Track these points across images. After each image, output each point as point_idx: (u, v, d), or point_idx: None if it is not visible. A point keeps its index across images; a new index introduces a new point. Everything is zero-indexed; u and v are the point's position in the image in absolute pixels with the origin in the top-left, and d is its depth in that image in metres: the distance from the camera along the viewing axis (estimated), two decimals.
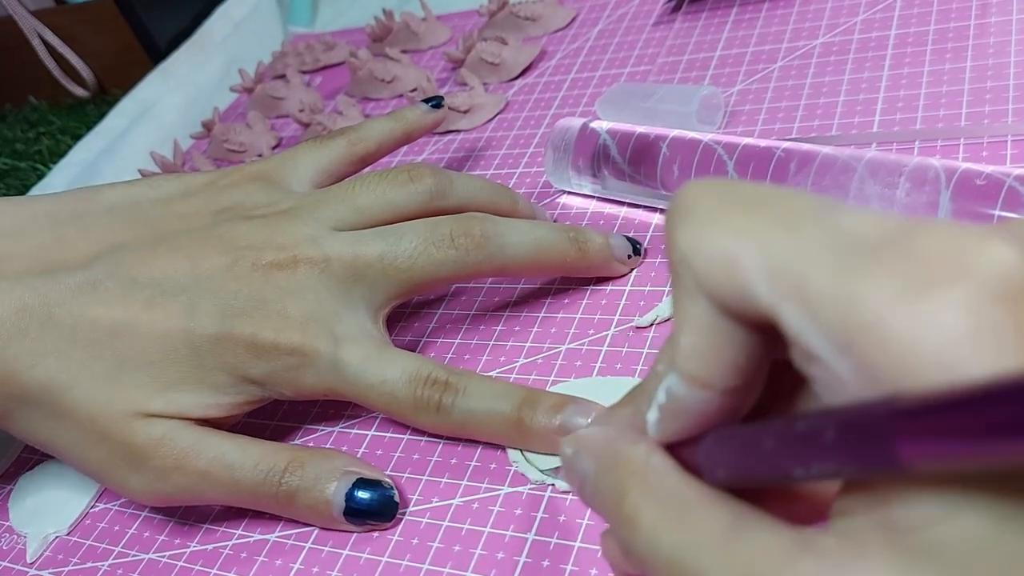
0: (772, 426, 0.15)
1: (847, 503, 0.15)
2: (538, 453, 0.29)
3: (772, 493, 0.18)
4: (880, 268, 0.13)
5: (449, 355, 0.35)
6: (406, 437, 0.32)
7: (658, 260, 0.35)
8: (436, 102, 0.41)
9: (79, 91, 0.73)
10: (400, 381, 0.30)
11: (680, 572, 0.16)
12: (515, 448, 0.30)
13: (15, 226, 0.33)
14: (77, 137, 0.66)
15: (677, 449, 0.18)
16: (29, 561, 0.34)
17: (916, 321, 0.13)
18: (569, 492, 0.28)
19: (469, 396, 0.30)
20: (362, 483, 0.29)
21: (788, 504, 0.18)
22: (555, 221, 0.40)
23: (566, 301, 0.35)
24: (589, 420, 0.28)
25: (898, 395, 0.12)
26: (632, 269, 0.35)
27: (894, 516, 0.14)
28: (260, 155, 0.54)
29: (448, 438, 0.31)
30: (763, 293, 0.15)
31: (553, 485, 0.28)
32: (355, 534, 0.30)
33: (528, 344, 0.34)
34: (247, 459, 0.30)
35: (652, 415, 0.19)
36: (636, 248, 0.35)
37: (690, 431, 0.18)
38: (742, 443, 0.16)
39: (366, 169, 0.39)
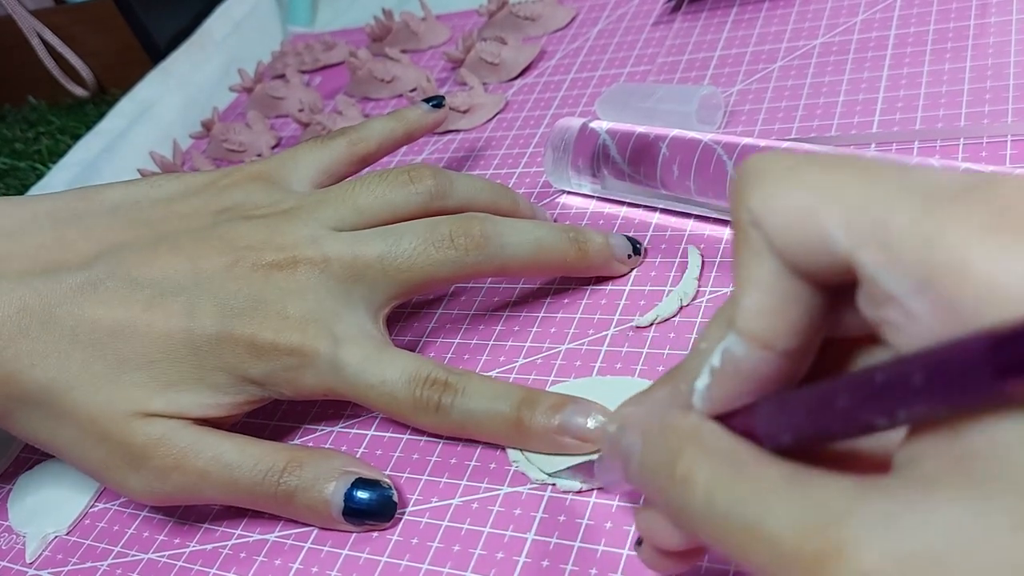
0: (843, 382, 0.15)
1: (911, 451, 0.15)
2: (538, 453, 0.29)
3: (827, 456, 0.18)
4: (962, 209, 0.14)
5: (449, 355, 0.35)
6: (405, 437, 0.32)
7: (658, 260, 0.35)
8: (437, 102, 0.41)
9: (78, 91, 0.73)
10: (399, 381, 0.30)
11: (739, 523, 0.16)
12: (515, 448, 0.30)
13: (15, 226, 0.33)
14: (76, 137, 0.65)
15: (722, 422, 0.19)
16: (28, 561, 0.34)
17: (1000, 256, 0.13)
18: (569, 492, 0.28)
19: (468, 396, 0.30)
20: (361, 483, 0.29)
21: (845, 467, 0.18)
22: (555, 221, 0.40)
23: (566, 301, 0.35)
24: (589, 419, 0.28)
25: (994, 327, 0.13)
26: (632, 269, 0.35)
27: (969, 447, 0.14)
28: (260, 155, 0.54)
29: (448, 438, 0.31)
30: (841, 239, 0.15)
31: (554, 485, 0.28)
32: (354, 534, 0.30)
33: (528, 344, 0.34)
34: (246, 459, 0.30)
35: (702, 381, 0.19)
36: (636, 248, 0.35)
37: (740, 398, 0.18)
38: (811, 403, 0.17)
39: (366, 169, 0.39)
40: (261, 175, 0.36)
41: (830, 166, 0.16)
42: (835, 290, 0.17)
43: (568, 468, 0.28)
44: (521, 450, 0.30)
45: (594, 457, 0.27)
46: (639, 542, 0.23)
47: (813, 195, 0.16)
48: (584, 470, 0.27)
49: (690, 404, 0.20)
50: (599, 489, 0.28)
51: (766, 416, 0.18)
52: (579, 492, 0.28)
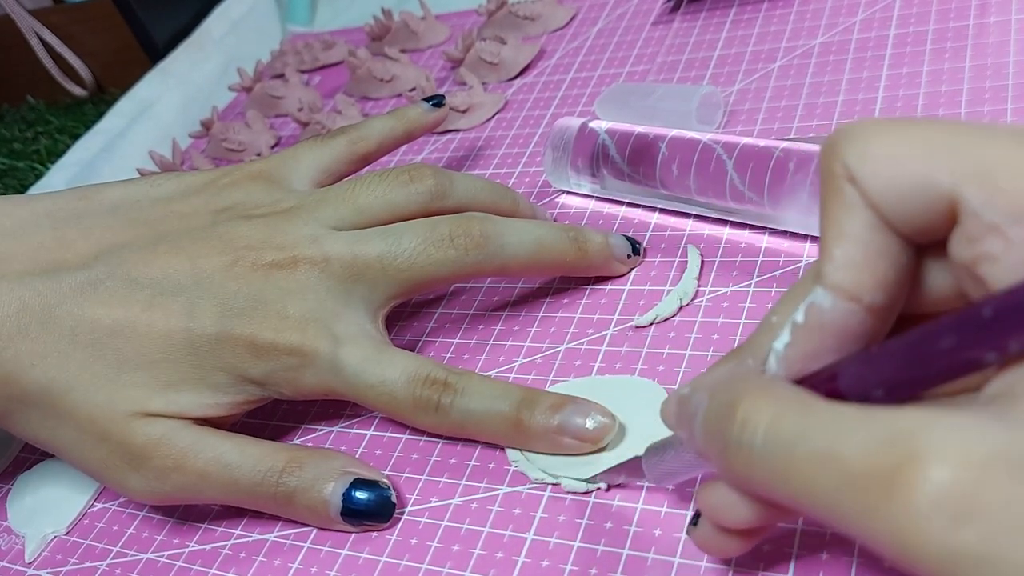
0: (945, 322, 0.16)
1: (998, 386, 0.16)
2: (537, 453, 0.29)
3: None
4: None
5: (448, 354, 0.35)
6: (405, 436, 0.32)
7: (657, 259, 0.35)
8: (437, 101, 0.41)
9: (77, 90, 0.73)
10: (399, 381, 0.30)
11: (804, 451, 0.16)
12: (514, 448, 0.30)
13: (15, 225, 0.33)
14: (75, 137, 0.65)
15: None
16: (28, 561, 0.34)
17: None
18: (569, 492, 0.28)
19: (468, 396, 0.30)
20: (360, 483, 0.29)
21: None
22: (555, 221, 0.40)
23: (565, 300, 0.35)
24: (588, 420, 0.28)
25: None
26: (631, 269, 0.35)
27: None
28: (259, 154, 0.54)
29: (447, 438, 0.31)
30: (943, 177, 0.16)
31: (556, 484, 0.28)
32: (354, 534, 0.30)
33: (527, 344, 0.34)
34: (245, 459, 0.30)
35: (781, 341, 0.19)
36: (635, 248, 0.35)
37: (820, 356, 0.19)
38: (907, 350, 0.17)
39: (366, 168, 0.39)
40: (261, 174, 0.36)
41: (925, 121, 0.17)
42: (919, 249, 0.18)
43: (608, 469, 0.27)
44: (520, 450, 0.30)
45: (640, 453, 0.26)
46: (694, 521, 0.23)
47: (913, 142, 0.17)
48: (628, 468, 0.27)
49: (760, 373, 0.20)
50: (615, 487, 0.28)
51: (852, 373, 0.18)
52: (585, 492, 0.28)
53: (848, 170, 0.18)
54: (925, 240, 0.18)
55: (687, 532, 0.23)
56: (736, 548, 0.22)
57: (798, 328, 0.19)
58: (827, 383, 0.18)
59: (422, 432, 0.32)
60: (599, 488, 0.28)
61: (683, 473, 0.24)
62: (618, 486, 0.28)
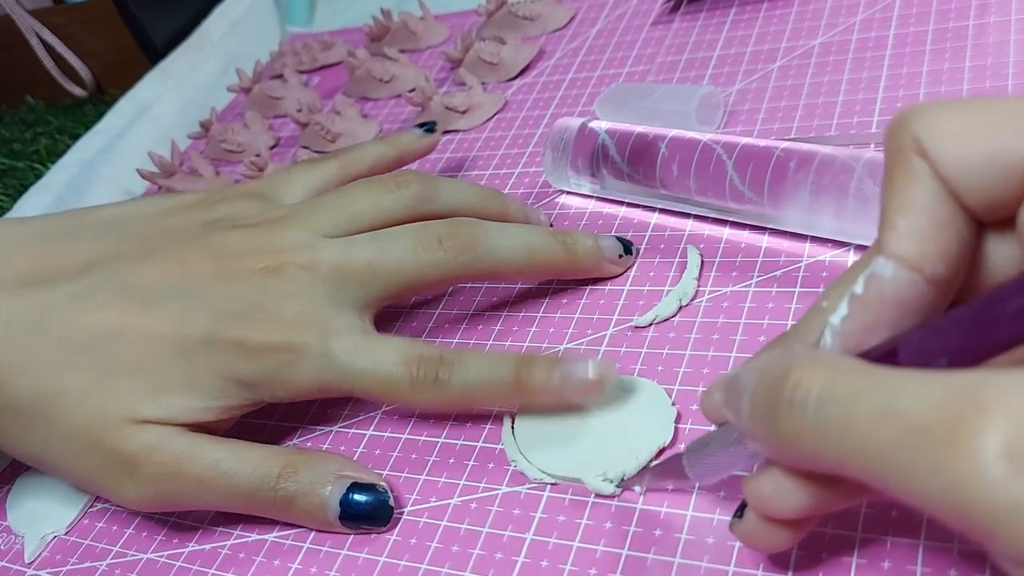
0: (1012, 286, 0.16)
1: None
2: (536, 451, 0.29)
3: None
4: None
5: None
6: (404, 436, 0.32)
7: (657, 259, 0.35)
8: (429, 127, 0.42)
9: (77, 91, 0.73)
10: (394, 363, 0.30)
11: (863, 409, 0.16)
12: (514, 411, 0.30)
13: (8, 243, 0.33)
14: (75, 137, 0.65)
15: None
16: (27, 561, 0.34)
17: None
18: (568, 491, 0.28)
19: (465, 367, 0.30)
20: (358, 487, 0.29)
21: None
22: (554, 221, 0.40)
23: (564, 300, 0.35)
24: (588, 371, 0.28)
25: None
26: (626, 269, 0.35)
27: None
28: (258, 155, 0.54)
29: (446, 435, 0.31)
30: (1019, 144, 0.17)
31: (554, 484, 0.28)
32: (353, 534, 0.30)
33: (526, 343, 0.34)
34: (242, 464, 0.30)
35: (838, 315, 0.19)
36: (628, 248, 0.35)
37: (878, 329, 0.19)
38: (973, 316, 0.17)
39: None
40: (253, 193, 0.36)
41: (993, 98, 0.18)
42: (981, 228, 0.18)
43: (644, 470, 0.27)
44: (520, 449, 0.30)
45: (680, 449, 0.26)
46: (739, 513, 0.22)
47: (985, 113, 0.17)
48: (667, 468, 0.26)
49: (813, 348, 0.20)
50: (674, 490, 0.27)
51: (913, 344, 0.18)
52: (595, 493, 0.28)
53: (918, 142, 0.18)
54: (990, 215, 0.18)
55: (731, 527, 0.23)
56: (782, 541, 0.22)
57: (856, 299, 0.19)
58: (886, 358, 0.18)
59: (421, 431, 0.32)
60: (632, 491, 0.27)
61: (725, 467, 0.24)
62: (652, 490, 0.27)
